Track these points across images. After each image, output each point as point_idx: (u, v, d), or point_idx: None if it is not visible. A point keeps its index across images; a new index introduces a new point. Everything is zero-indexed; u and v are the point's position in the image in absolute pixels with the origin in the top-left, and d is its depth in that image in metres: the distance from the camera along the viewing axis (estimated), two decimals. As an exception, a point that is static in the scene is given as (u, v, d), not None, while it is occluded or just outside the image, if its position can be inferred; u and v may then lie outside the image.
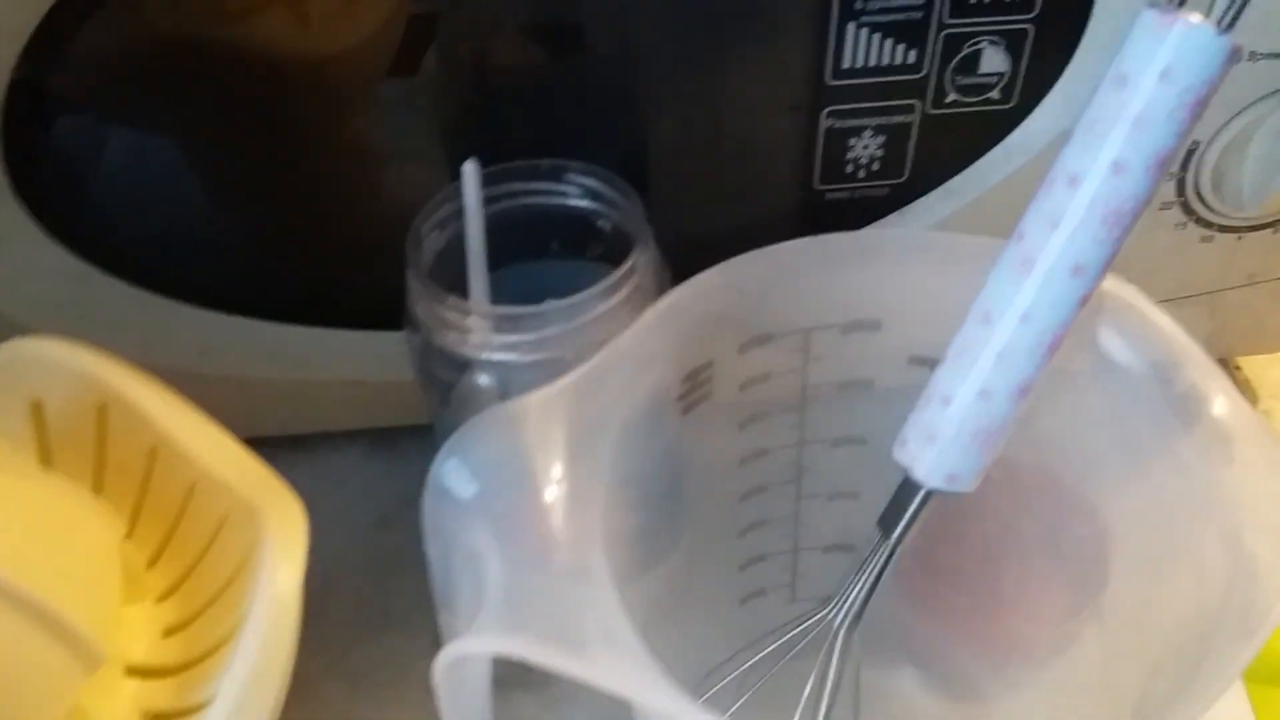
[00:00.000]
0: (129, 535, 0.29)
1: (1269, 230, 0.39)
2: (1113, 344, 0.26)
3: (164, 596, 0.28)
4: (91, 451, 0.29)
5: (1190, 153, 0.37)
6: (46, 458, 0.29)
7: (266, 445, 0.44)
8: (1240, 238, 0.40)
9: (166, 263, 0.38)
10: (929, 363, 0.26)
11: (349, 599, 0.41)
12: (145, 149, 0.36)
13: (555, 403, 0.23)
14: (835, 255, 0.28)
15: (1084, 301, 0.24)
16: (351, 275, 0.39)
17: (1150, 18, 0.22)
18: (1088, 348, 0.27)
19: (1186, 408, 0.25)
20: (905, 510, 0.27)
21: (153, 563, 0.28)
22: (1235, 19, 0.21)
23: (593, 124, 0.36)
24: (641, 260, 0.30)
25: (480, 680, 0.23)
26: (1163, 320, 0.25)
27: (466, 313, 0.29)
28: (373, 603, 0.41)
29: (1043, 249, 0.23)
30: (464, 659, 0.21)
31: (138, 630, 0.27)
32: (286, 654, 0.24)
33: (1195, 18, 0.21)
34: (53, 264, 0.36)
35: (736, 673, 0.30)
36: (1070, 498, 0.29)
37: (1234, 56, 0.21)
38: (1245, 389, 0.48)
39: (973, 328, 0.25)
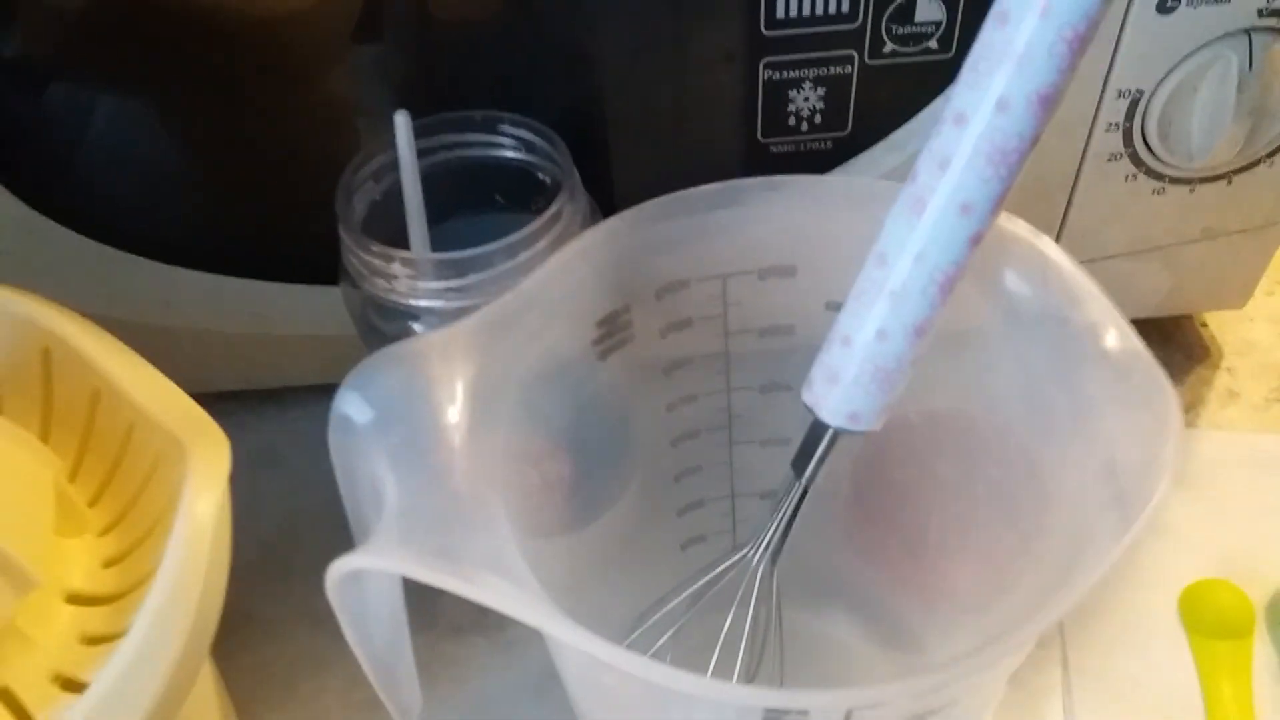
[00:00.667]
0: (74, 474, 0.30)
1: (1222, 182, 0.39)
2: (1016, 286, 0.26)
3: (105, 531, 0.29)
4: (38, 394, 0.30)
5: (1135, 102, 0.37)
6: (-6, 401, 0.30)
7: (236, 398, 0.46)
8: (1193, 190, 0.39)
9: (125, 218, 0.39)
10: (845, 308, 0.27)
11: (315, 547, 0.42)
12: (99, 106, 0.37)
13: (455, 342, 0.24)
14: (747, 200, 0.28)
15: (976, 240, 0.24)
16: (305, 229, 0.40)
17: (1030, -46, 0.22)
18: (994, 292, 0.27)
19: (1082, 346, 0.25)
20: (814, 451, 0.28)
21: (95, 500, 0.29)
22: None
23: (533, 79, 0.36)
24: (568, 207, 0.31)
25: (387, 602, 0.24)
26: (1064, 261, 0.26)
27: (391, 259, 0.30)
28: (337, 551, 0.42)
29: (933, 189, 0.24)
30: (363, 575, 0.22)
31: (78, 561, 0.28)
32: (203, 575, 0.25)
33: (1073, -46, 0.21)
34: (13, 216, 0.37)
35: (662, 611, 0.31)
36: (987, 443, 0.30)
37: (1112, -8, 0.22)
38: (1210, 346, 0.47)
39: (870, 269, 0.25)
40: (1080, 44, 0.22)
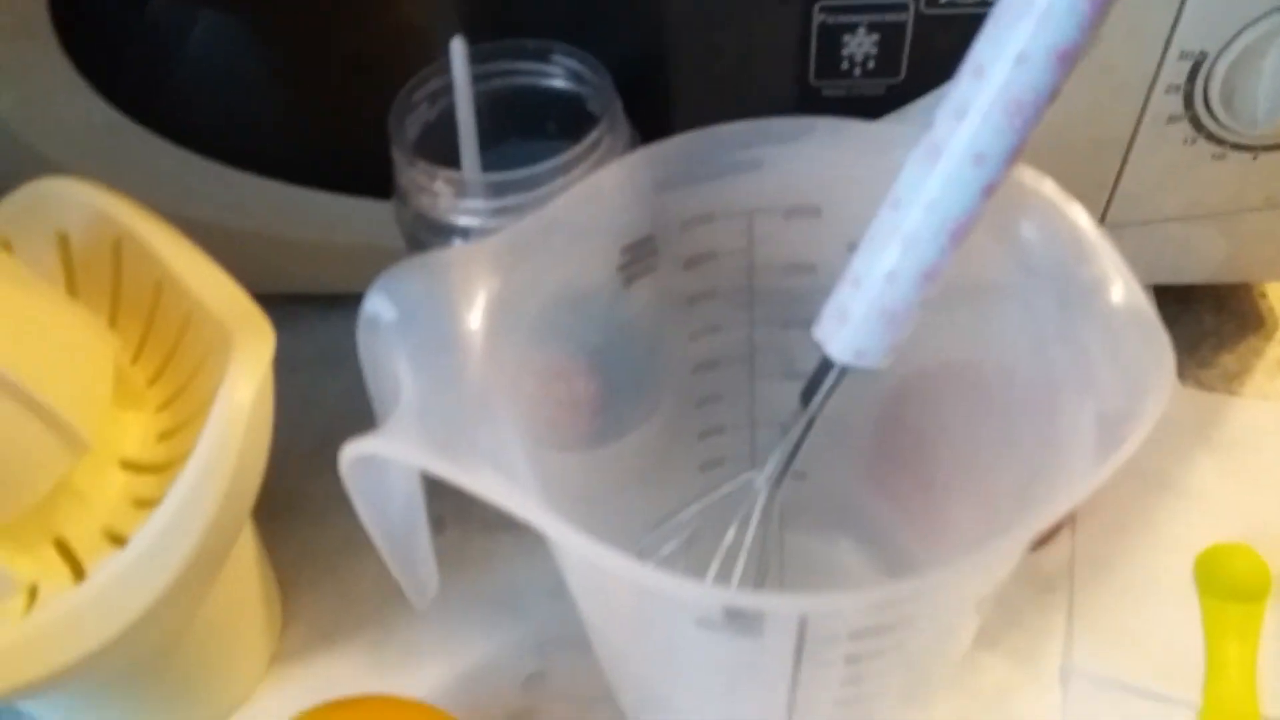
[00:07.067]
0: (137, 355, 0.32)
1: (1288, 150, 0.38)
2: (1030, 239, 0.27)
3: (162, 407, 0.32)
4: (109, 282, 0.33)
5: (1197, 65, 0.36)
6: (72, 287, 0.33)
7: (304, 301, 0.48)
8: (1255, 157, 0.39)
9: (203, 124, 0.41)
10: (866, 250, 0.27)
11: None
12: (190, 21, 0.39)
13: (480, 256, 0.26)
14: (775, 139, 0.29)
15: (988, 191, 0.24)
16: (369, 144, 0.42)
17: (1055, -93, 0.22)
18: (1008, 244, 0.27)
19: (1086, 300, 0.25)
20: (822, 384, 0.29)
21: (154, 379, 0.32)
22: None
23: (592, 12, 0.37)
24: (609, 137, 0.32)
25: (403, 487, 0.26)
26: (1079, 217, 0.26)
27: (435, 177, 0.31)
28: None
29: (949, 138, 0.24)
30: (383, 461, 0.24)
31: (134, 433, 0.31)
32: (237, 451, 0.27)
33: (1100, -92, 0.22)
34: (104, 120, 0.40)
35: (670, 523, 0.33)
36: (995, 394, 0.30)
37: (1138, -51, 0.22)
38: (1267, 317, 0.47)
39: (885, 213, 0.26)
40: (1103, 1, 0.22)
